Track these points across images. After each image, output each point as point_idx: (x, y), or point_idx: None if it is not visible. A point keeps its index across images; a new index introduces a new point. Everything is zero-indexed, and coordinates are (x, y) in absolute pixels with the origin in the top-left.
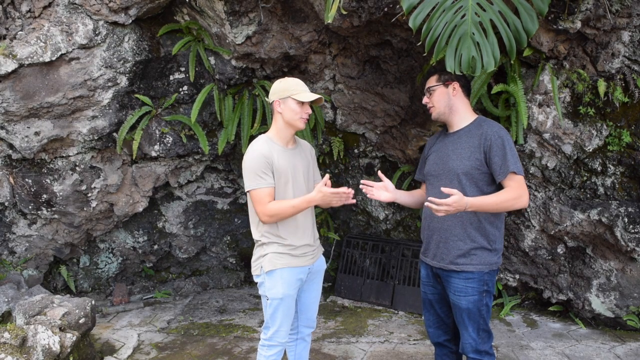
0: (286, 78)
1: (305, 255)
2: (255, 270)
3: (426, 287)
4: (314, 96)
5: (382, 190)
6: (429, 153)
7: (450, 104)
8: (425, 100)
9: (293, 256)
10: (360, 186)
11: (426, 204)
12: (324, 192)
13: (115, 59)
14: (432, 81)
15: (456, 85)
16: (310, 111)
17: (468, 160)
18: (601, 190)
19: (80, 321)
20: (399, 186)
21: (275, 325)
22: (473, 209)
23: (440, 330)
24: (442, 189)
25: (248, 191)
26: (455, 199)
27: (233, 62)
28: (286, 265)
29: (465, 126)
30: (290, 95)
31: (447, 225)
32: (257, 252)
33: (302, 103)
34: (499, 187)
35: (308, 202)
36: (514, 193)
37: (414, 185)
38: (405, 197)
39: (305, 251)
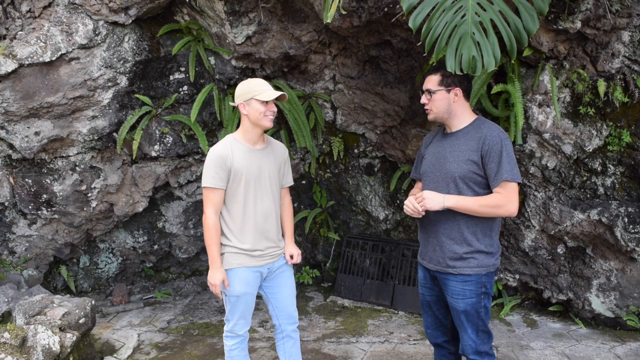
0: (248, 79)
1: (262, 256)
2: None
3: (424, 289)
4: (276, 94)
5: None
6: (425, 152)
7: (449, 110)
8: (423, 100)
9: (249, 256)
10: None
11: (417, 196)
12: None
13: (115, 59)
14: (433, 83)
15: (458, 91)
16: (274, 109)
17: (465, 163)
18: (601, 190)
19: (80, 321)
20: (399, 186)
21: (234, 319)
22: (450, 205)
23: (438, 331)
24: (415, 196)
25: (203, 187)
26: (425, 194)
27: (233, 62)
28: (241, 265)
29: (463, 127)
30: (253, 97)
31: (442, 228)
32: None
33: (266, 102)
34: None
35: (213, 263)
36: (497, 200)
37: (413, 185)
38: None
39: (263, 253)
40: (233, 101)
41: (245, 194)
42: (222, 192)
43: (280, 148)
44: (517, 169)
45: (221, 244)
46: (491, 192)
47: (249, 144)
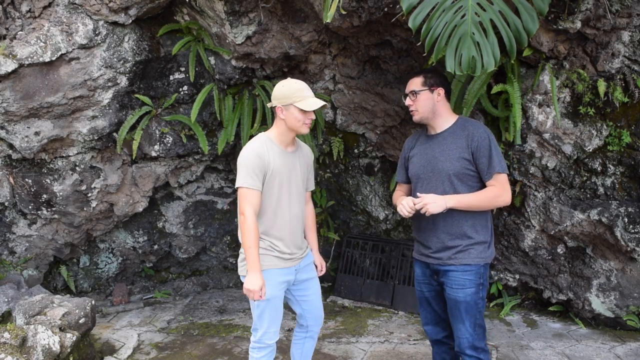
0: (288, 81)
1: (292, 258)
2: (241, 271)
3: (422, 285)
4: (319, 104)
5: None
6: (409, 154)
7: (434, 109)
8: (408, 102)
9: (280, 258)
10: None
11: (416, 201)
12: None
13: (115, 59)
14: (417, 84)
15: (441, 91)
16: (313, 117)
17: (457, 161)
18: (601, 190)
19: (80, 321)
20: None
21: (264, 327)
22: (452, 205)
23: (438, 327)
24: (418, 194)
25: (238, 187)
26: (430, 196)
27: (233, 62)
28: (272, 267)
29: (448, 127)
30: (293, 103)
31: (442, 225)
32: (242, 253)
33: (306, 111)
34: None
35: (252, 267)
36: (495, 192)
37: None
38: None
39: (293, 255)
40: (270, 101)
41: (279, 195)
42: (259, 194)
43: (307, 151)
44: (504, 161)
45: None
46: (483, 184)
47: (282, 145)
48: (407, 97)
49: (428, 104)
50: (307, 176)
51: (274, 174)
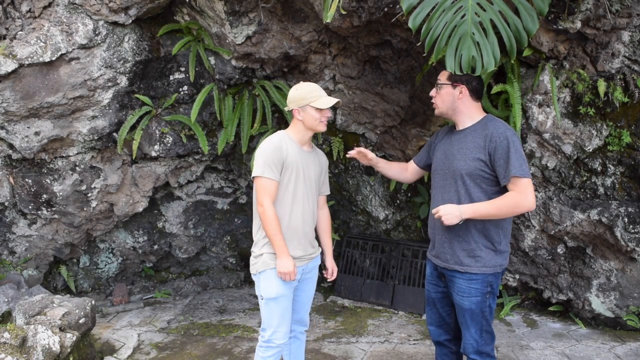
0: (301, 84)
1: (301, 258)
2: (252, 269)
3: (430, 285)
4: (333, 101)
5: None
6: (436, 144)
7: (454, 106)
8: (432, 93)
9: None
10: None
11: (433, 212)
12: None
13: (115, 59)
14: (443, 77)
15: (464, 89)
16: (329, 114)
17: (472, 161)
18: (601, 190)
19: (80, 321)
20: (399, 186)
21: (273, 326)
22: (469, 216)
23: (441, 329)
24: (432, 210)
25: (254, 177)
26: (443, 209)
27: (233, 62)
28: None
29: (471, 125)
30: (308, 103)
31: (451, 227)
32: (254, 252)
33: (322, 109)
34: (504, 189)
35: (281, 252)
36: (514, 198)
37: (413, 185)
38: (383, 165)
39: (302, 255)
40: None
41: (295, 189)
42: (276, 184)
43: (322, 155)
44: (526, 165)
45: (261, 243)
46: (499, 188)
47: (300, 143)
48: (434, 88)
49: (448, 99)
50: (321, 179)
51: (290, 167)
